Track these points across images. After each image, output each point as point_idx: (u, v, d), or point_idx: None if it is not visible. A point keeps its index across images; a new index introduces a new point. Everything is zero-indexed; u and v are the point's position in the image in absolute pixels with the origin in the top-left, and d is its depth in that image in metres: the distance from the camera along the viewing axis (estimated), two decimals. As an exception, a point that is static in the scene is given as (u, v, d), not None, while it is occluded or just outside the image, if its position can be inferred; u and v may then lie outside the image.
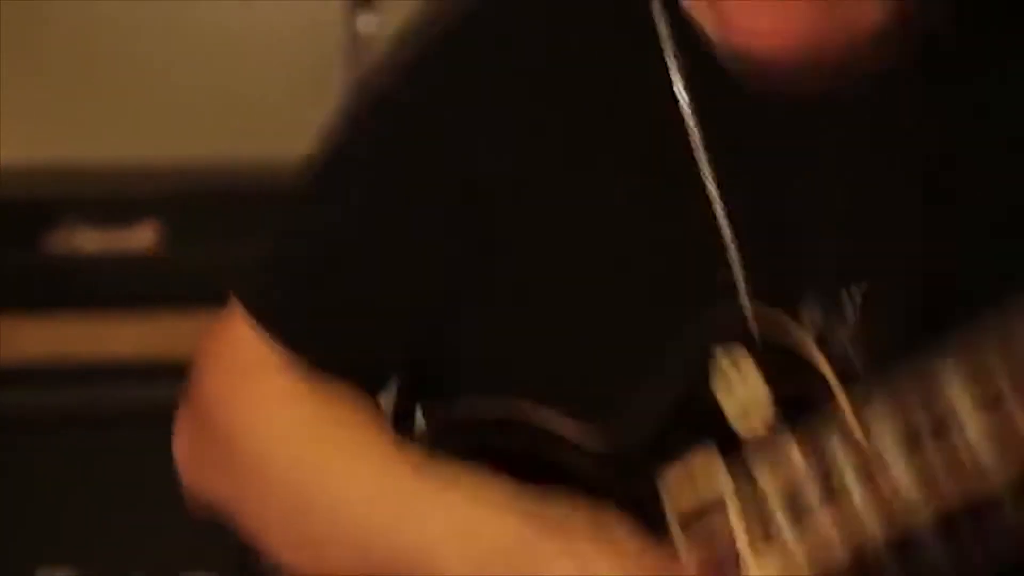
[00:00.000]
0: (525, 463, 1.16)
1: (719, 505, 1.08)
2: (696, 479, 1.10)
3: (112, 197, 4.05)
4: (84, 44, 4.12)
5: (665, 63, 1.15)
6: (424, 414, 1.29)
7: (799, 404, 1.08)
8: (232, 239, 4.25)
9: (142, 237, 3.98)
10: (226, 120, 4.13)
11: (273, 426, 1.26)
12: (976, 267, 1.12)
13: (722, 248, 1.13)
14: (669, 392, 1.13)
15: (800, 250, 1.14)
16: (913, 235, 1.13)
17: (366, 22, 3.93)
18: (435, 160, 1.21)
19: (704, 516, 1.09)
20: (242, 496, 1.28)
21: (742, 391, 1.08)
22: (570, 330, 1.17)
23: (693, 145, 1.13)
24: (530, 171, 1.17)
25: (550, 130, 1.17)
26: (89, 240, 3.96)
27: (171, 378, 4.42)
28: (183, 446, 1.35)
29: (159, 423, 4.46)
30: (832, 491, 1.04)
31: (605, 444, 1.14)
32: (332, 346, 1.26)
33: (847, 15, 1.09)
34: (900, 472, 0.99)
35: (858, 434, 1.03)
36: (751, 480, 1.08)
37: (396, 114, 1.25)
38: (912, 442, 0.99)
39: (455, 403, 1.24)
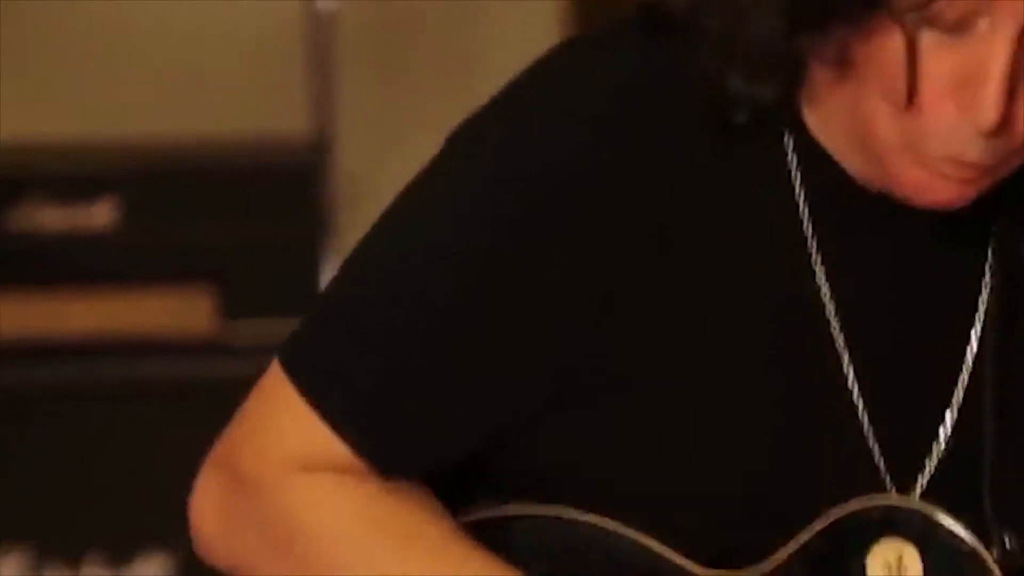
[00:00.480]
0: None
1: None
2: None
3: (72, 174, 4.03)
4: (43, 23, 4.10)
5: (797, 201, 1.12)
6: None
7: None
8: (191, 216, 4.25)
9: (102, 214, 3.97)
10: (185, 97, 4.11)
11: (341, 517, 1.15)
12: None
13: (854, 415, 1.11)
14: (813, 551, 1.10)
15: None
16: None
17: (326, 2, 3.94)
18: (570, 266, 1.11)
19: None
20: None
21: (893, 559, 1.07)
22: (689, 466, 1.13)
23: (820, 282, 1.12)
24: (661, 295, 1.11)
25: (680, 256, 1.11)
26: (50, 218, 3.94)
27: (131, 355, 4.41)
28: (207, 506, 1.20)
29: (118, 400, 4.43)
30: None
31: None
32: (410, 458, 1.15)
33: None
34: None
35: None
36: None
37: (540, 201, 1.12)
38: None
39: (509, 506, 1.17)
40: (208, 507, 1.19)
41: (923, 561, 1.06)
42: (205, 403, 4.26)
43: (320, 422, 1.12)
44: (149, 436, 3.80)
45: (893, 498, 1.08)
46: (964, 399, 1.09)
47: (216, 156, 4.06)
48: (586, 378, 1.11)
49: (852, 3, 1.01)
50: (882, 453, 1.09)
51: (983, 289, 1.12)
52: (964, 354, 1.10)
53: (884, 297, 1.13)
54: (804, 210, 1.11)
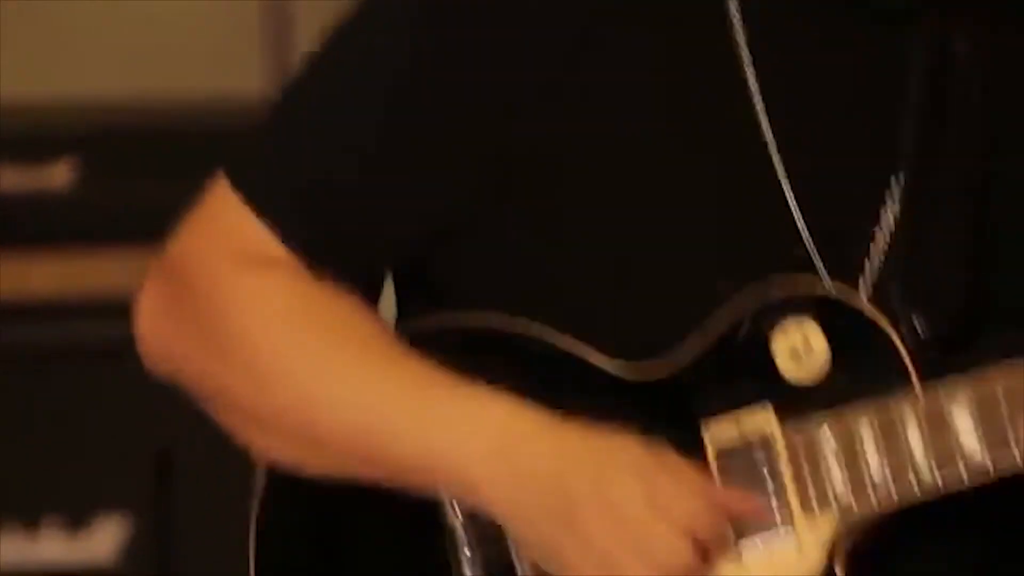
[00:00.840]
0: (533, 381, 1.14)
1: (762, 444, 1.12)
2: (741, 420, 1.13)
3: (30, 135, 4.01)
4: (2, -19, 4.07)
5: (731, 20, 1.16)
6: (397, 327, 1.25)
7: (858, 369, 1.12)
8: (150, 177, 4.23)
9: (60, 175, 3.95)
10: (144, 58, 4.09)
11: (271, 310, 1.20)
12: None
13: (785, 207, 1.16)
14: (721, 336, 1.14)
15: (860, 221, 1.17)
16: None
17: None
18: (500, 60, 1.16)
19: (743, 454, 1.12)
20: (218, 371, 1.23)
21: (799, 340, 1.12)
22: (622, 269, 1.16)
23: (751, 92, 1.16)
24: (593, 89, 1.16)
25: (611, 52, 1.15)
26: (7, 179, 3.91)
27: (90, 316, 4.40)
28: (150, 305, 1.28)
29: (76, 362, 4.42)
30: (891, 448, 1.10)
31: (641, 376, 1.14)
32: (338, 251, 1.20)
33: None
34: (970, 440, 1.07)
35: (922, 400, 1.09)
36: (800, 428, 1.12)
37: (464, 22, 1.18)
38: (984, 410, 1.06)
39: (437, 316, 1.22)
40: (151, 309, 1.27)
41: (828, 341, 1.11)
42: (164, 364, 4.30)
43: (256, 220, 1.19)
44: (108, 397, 3.79)
45: (799, 280, 1.14)
46: (898, 194, 1.14)
47: (175, 117, 4.04)
48: (518, 173, 1.16)
49: None
50: (818, 249, 1.13)
51: (912, 84, 1.16)
52: (895, 149, 1.15)
53: (812, 91, 1.16)
54: (734, 6, 1.16)
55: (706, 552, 1.10)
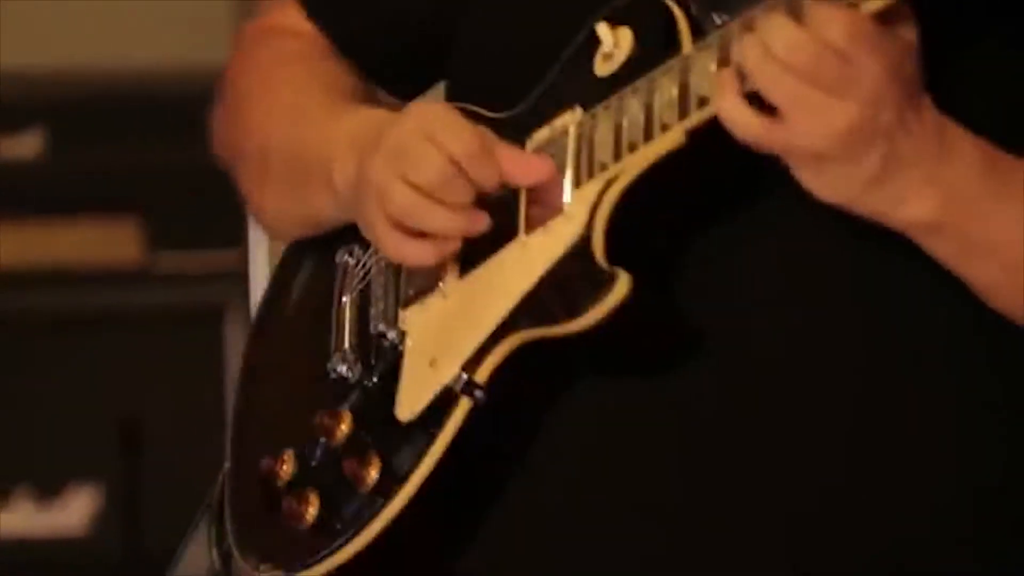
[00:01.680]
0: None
1: (562, 135, 1.24)
2: (554, 123, 1.26)
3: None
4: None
5: None
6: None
7: (654, 56, 1.22)
8: (118, 148, 4.23)
9: (29, 145, 3.95)
10: (111, 28, 4.10)
11: (269, 81, 1.45)
12: None
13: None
14: (549, 72, 1.29)
15: None
16: None
17: (254, -69, 3.92)
18: None
19: (550, 146, 1.25)
20: (237, 146, 1.45)
21: (610, 41, 1.25)
22: (497, 45, 1.34)
23: None
24: None
25: None
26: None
27: (57, 285, 4.39)
28: (216, 114, 1.49)
29: (44, 332, 4.41)
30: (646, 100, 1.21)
31: (503, 111, 1.31)
32: (350, 31, 1.44)
33: None
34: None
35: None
36: (594, 113, 1.23)
37: None
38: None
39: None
40: (234, 61, 1.50)
41: (634, 37, 1.24)
42: (131, 333, 4.29)
43: (295, 5, 1.44)
44: (77, 366, 3.80)
45: None
46: None
47: (142, 87, 4.04)
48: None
49: None
50: None
51: None
52: None
53: None
54: None
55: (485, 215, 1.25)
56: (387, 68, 1.47)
